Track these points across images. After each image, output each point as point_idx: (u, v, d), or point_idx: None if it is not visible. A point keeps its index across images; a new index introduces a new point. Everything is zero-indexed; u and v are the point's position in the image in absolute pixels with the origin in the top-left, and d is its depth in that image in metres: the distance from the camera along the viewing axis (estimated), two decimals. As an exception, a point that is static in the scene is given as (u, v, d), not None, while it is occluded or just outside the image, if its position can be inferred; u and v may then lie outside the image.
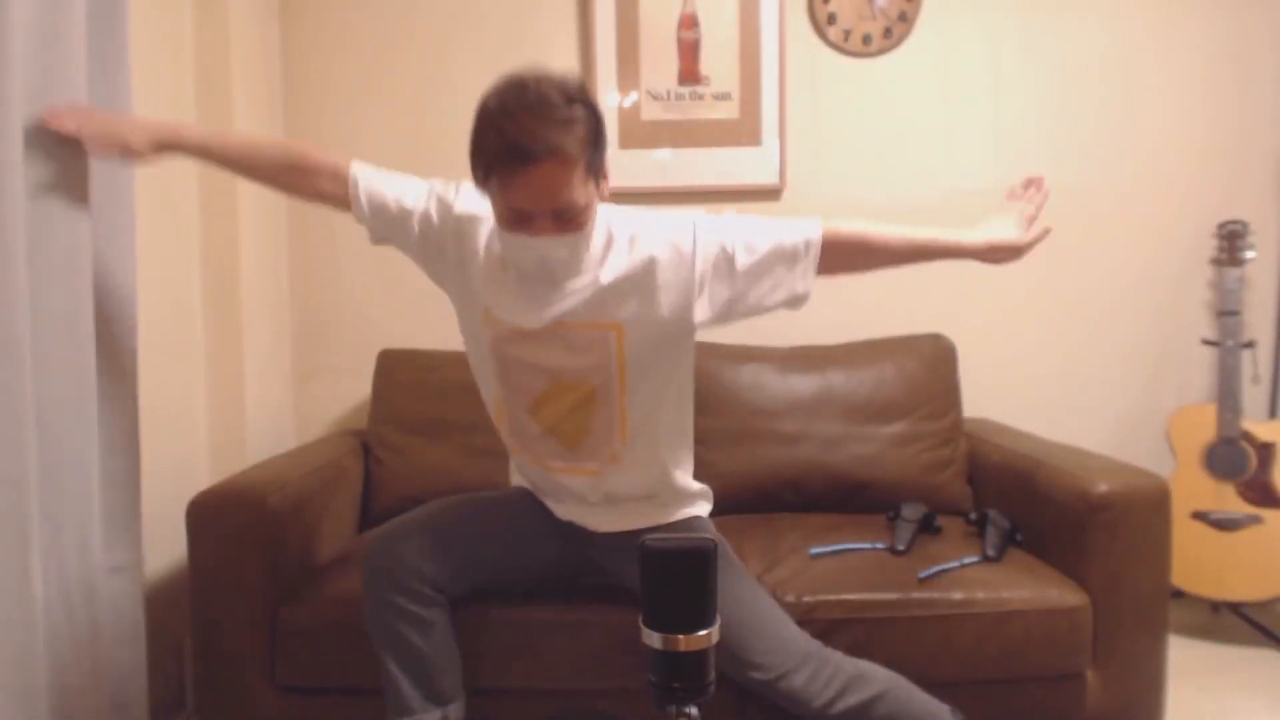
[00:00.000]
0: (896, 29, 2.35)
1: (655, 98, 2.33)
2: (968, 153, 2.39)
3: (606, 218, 1.37)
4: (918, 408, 2.10)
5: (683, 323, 1.36)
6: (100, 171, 1.47)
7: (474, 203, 1.40)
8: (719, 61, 2.33)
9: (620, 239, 1.36)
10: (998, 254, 1.42)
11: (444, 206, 1.42)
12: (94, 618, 1.44)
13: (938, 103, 2.38)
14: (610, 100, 2.33)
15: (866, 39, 2.35)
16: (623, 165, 2.33)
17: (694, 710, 0.76)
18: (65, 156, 1.37)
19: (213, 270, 2.05)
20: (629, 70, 2.32)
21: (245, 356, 2.08)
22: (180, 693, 1.89)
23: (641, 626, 0.76)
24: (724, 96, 2.34)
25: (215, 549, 1.54)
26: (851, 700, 1.36)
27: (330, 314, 2.39)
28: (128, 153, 1.43)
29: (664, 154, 2.35)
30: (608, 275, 1.34)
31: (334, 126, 2.35)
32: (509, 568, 1.53)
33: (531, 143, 1.18)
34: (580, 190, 1.24)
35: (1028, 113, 2.38)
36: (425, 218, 1.42)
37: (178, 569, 1.86)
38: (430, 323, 2.37)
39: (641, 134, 2.34)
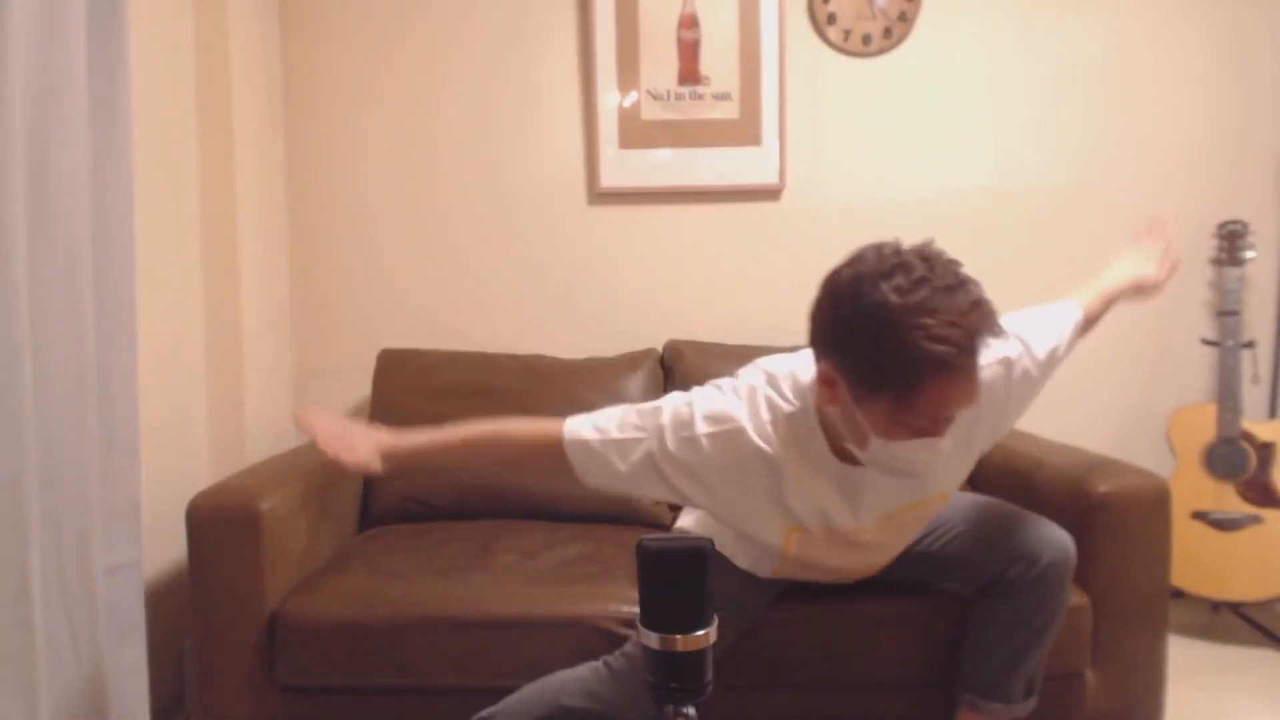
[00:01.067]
0: (896, 29, 2.35)
1: (655, 97, 2.33)
2: (967, 153, 2.39)
3: None
4: (918, 408, 2.10)
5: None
6: (100, 171, 1.47)
7: (704, 447, 1.23)
8: (719, 61, 2.33)
9: None
10: (1142, 290, 1.52)
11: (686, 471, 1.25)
12: (94, 618, 1.44)
13: (937, 103, 2.38)
14: (610, 100, 2.33)
15: (866, 39, 2.35)
16: (623, 165, 2.33)
17: (691, 710, 0.75)
18: (65, 157, 1.37)
19: (213, 270, 2.05)
20: (629, 70, 2.32)
21: (245, 356, 2.08)
22: (180, 693, 1.89)
23: (639, 626, 0.76)
24: (724, 96, 2.34)
25: (215, 549, 1.54)
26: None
27: (330, 314, 2.39)
28: (355, 460, 1.33)
29: (664, 154, 2.34)
30: (946, 451, 1.21)
31: (333, 126, 2.36)
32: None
33: (971, 340, 1.04)
34: None
35: (1027, 113, 2.38)
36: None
37: (178, 569, 1.86)
38: (430, 323, 2.38)
39: (641, 134, 2.33)
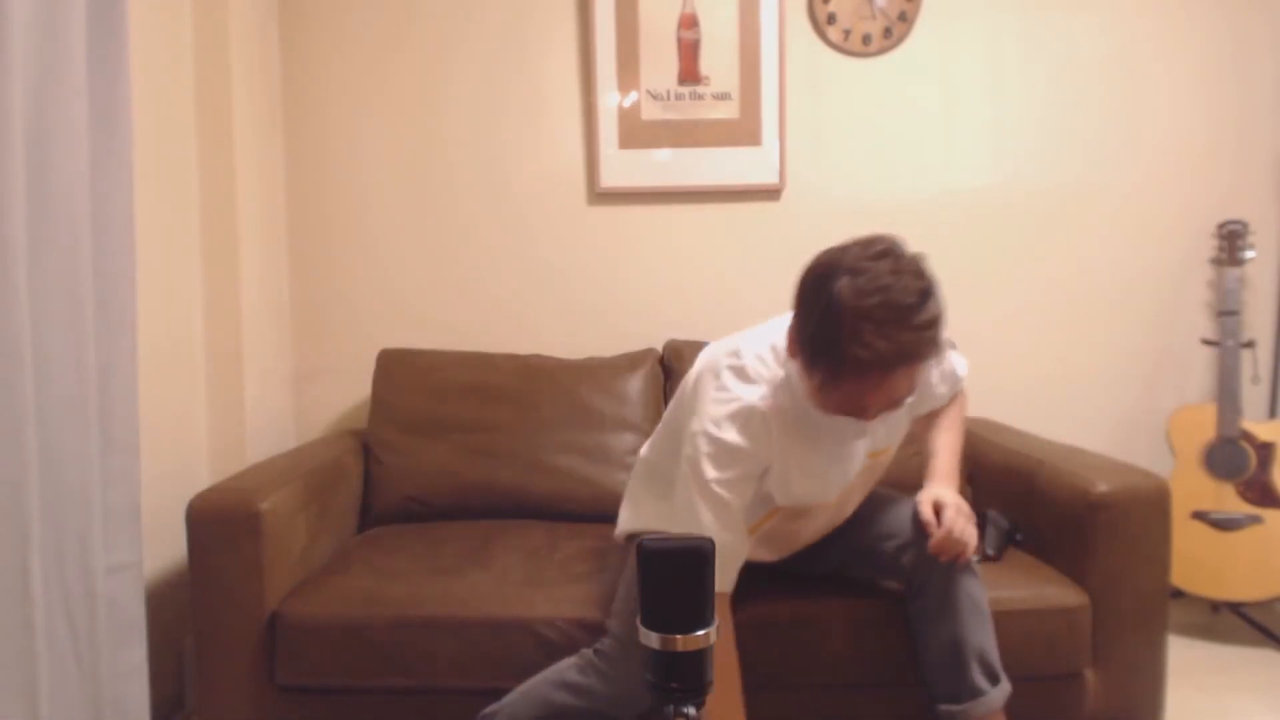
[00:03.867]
0: (896, 29, 2.35)
1: (655, 97, 2.33)
2: (967, 153, 2.39)
3: None
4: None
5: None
6: (100, 171, 1.47)
7: (735, 439, 1.30)
8: (719, 61, 2.33)
9: None
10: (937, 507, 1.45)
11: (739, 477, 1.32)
12: (94, 618, 1.44)
13: (937, 102, 2.38)
14: (610, 100, 2.33)
15: (866, 39, 2.35)
16: (623, 165, 2.33)
17: (692, 710, 0.75)
18: (65, 157, 1.37)
19: (213, 270, 2.05)
20: (629, 70, 2.32)
21: (245, 357, 2.08)
22: (180, 693, 1.89)
23: (639, 627, 0.76)
24: (724, 96, 2.34)
25: (215, 549, 1.54)
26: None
27: (330, 314, 2.39)
28: None
29: (664, 154, 2.35)
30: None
31: (333, 126, 2.36)
32: None
33: (896, 356, 1.12)
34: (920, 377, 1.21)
35: (1027, 113, 2.38)
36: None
37: (178, 569, 1.86)
38: (430, 323, 2.38)
39: (641, 134, 2.33)
